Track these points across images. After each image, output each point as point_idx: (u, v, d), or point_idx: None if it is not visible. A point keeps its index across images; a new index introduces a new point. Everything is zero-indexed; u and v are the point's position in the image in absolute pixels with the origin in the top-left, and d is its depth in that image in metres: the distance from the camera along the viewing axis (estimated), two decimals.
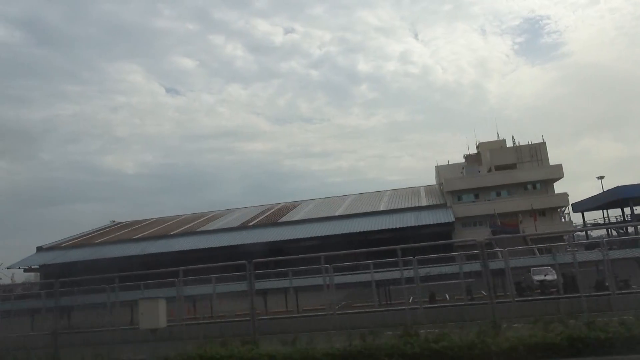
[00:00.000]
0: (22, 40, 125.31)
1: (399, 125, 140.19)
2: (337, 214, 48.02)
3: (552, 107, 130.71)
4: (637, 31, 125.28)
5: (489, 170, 47.64)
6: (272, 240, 42.59)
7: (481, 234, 42.07)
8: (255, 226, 47.73)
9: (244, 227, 48.06)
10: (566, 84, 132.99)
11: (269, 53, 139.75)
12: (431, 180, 57.25)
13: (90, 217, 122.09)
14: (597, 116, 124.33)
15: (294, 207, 54.42)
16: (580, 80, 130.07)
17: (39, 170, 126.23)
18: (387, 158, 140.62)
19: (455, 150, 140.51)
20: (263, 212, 53.83)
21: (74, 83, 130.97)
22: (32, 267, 47.41)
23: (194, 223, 52.44)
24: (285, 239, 42.64)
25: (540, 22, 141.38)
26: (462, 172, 49.11)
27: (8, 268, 44.43)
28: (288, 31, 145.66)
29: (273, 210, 54.52)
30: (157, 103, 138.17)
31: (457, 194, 45.82)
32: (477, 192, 45.60)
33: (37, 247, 49.40)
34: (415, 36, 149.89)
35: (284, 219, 48.49)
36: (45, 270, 46.57)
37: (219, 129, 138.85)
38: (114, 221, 61.08)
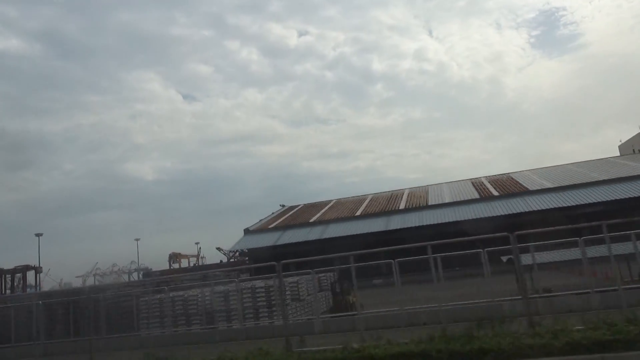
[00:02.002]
0: (42, 53, 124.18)
1: (416, 123, 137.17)
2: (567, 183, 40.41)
3: (571, 100, 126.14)
4: None
5: None
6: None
7: None
8: (499, 197, 40.36)
9: (484, 199, 40.68)
10: (585, 75, 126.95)
11: (283, 56, 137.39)
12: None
13: (112, 224, 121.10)
14: (618, 106, 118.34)
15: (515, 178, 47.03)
16: (599, 71, 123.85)
17: (61, 179, 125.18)
18: (404, 156, 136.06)
19: (474, 145, 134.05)
20: (479, 185, 46.49)
21: (94, 93, 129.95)
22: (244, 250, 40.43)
23: (415, 199, 45.03)
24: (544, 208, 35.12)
25: (556, 13, 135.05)
26: None
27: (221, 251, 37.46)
28: (302, 33, 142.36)
29: (488, 183, 47.12)
30: (174, 110, 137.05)
31: None
32: None
33: (244, 230, 42.46)
34: (430, 33, 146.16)
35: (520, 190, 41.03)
36: (255, 254, 39.72)
37: (236, 133, 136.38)
38: (283, 205, 53.97)
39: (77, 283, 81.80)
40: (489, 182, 47.49)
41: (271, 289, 16.82)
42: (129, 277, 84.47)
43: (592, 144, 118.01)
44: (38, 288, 73.79)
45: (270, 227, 42.57)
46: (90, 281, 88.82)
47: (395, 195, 48.34)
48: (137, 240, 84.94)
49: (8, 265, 58.29)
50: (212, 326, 15.36)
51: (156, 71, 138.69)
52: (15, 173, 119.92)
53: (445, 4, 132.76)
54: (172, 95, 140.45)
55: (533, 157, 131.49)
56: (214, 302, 16.26)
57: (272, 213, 49.85)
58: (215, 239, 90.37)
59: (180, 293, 16.94)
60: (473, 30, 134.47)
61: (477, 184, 47.59)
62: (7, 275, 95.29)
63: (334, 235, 37.38)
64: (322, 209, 48.00)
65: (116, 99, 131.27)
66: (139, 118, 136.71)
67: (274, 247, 37.67)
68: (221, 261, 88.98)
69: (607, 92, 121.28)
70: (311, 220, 42.19)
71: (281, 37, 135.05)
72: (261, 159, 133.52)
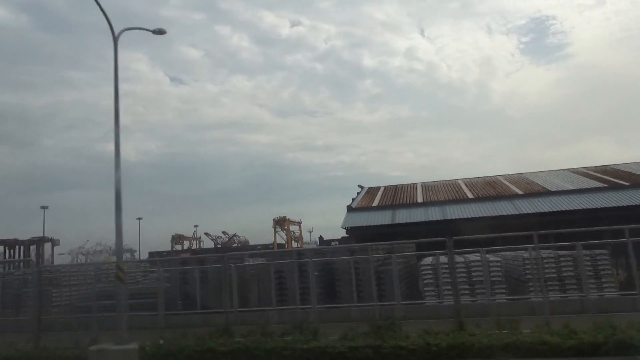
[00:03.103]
0: (28, 25, 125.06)
1: (402, 121, 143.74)
2: None
3: (554, 108, 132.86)
4: None
5: None
6: None
7: None
8: (632, 187, 36.93)
9: (614, 187, 37.19)
10: (570, 84, 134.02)
11: (274, 45, 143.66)
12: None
13: (89, 203, 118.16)
14: (599, 118, 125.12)
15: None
16: (583, 81, 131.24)
17: (40, 155, 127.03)
18: (388, 154, 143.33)
19: (457, 147, 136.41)
20: (588, 174, 43.00)
21: (78, 69, 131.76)
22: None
23: (523, 186, 41.34)
24: None
25: (546, 22, 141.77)
26: None
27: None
28: (294, 24, 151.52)
29: (596, 172, 43.63)
30: (161, 92, 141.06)
31: None
32: None
33: (347, 207, 38.73)
34: (422, 32, 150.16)
35: None
36: (365, 232, 36.14)
37: (221, 120, 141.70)
38: (361, 186, 50.37)
39: (63, 260, 77.23)
40: (595, 172, 43.98)
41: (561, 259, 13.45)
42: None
43: (571, 154, 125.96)
44: (52, 260, 70.38)
45: (372, 205, 38.89)
46: (80, 259, 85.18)
47: (493, 182, 44.63)
48: (139, 219, 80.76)
49: None
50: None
51: (144, 52, 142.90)
52: None
53: (438, 5, 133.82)
54: (159, 77, 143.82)
55: (514, 162, 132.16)
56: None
57: (357, 194, 46.12)
58: (198, 223, 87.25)
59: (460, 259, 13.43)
60: (464, 32, 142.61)
61: (582, 173, 44.03)
62: (20, 247, 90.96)
63: (461, 217, 33.79)
64: (412, 190, 44.27)
65: (101, 77, 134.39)
66: (124, 98, 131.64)
67: (391, 226, 34.09)
68: (216, 245, 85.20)
69: (589, 103, 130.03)
70: (419, 201, 38.53)
71: (273, 26, 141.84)
72: (245, 147, 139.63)
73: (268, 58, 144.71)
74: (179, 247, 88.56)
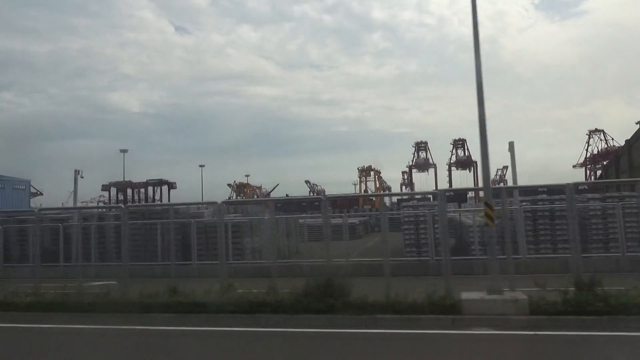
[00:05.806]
0: None
1: (409, 77, 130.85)
2: None
3: (565, 67, 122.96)
4: None
5: None
6: None
7: None
8: None
9: None
10: (583, 43, 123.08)
11: None
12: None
13: (94, 152, 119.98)
14: (612, 77, 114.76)
15: None
16: (597, 40, 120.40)
17: (45, 104, 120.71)
18: (394, 110, 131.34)
19: (464, 104, 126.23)
20: None
21: (83, 16, 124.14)
22: None
23: None
24: None
25: None
26: None
27: None
28: None
29: None
30: (165, 41, 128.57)
31: None
32: None
33: None
34: None
35: None
36: None
37: (226, 71, 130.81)
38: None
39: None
40: None
41: None
42: None
43: (581, 114, 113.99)
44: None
45: None
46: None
47: None
48: (201, 166, 77.05)
49: None
50: None
51: None
52: None
53: None
54: (164, 26, 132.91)
55: (521, 121, 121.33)
56: None
57: None
58: (208, 174, 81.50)
59: None
60: None
61: None
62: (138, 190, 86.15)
63: None
64: None
65: (105, 25, 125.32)
66: (128, 47, 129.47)
67: None
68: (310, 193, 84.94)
69: (602, 62, 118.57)
70: None
71: None
72: (250, 99, 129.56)
73: (275, 8, 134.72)
74: (241, 197, 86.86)
